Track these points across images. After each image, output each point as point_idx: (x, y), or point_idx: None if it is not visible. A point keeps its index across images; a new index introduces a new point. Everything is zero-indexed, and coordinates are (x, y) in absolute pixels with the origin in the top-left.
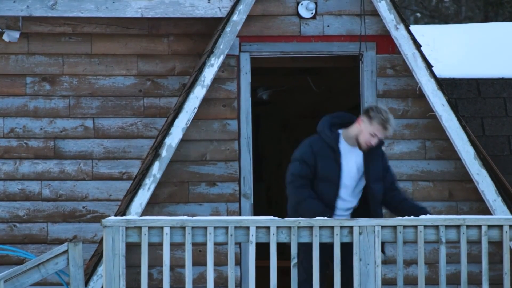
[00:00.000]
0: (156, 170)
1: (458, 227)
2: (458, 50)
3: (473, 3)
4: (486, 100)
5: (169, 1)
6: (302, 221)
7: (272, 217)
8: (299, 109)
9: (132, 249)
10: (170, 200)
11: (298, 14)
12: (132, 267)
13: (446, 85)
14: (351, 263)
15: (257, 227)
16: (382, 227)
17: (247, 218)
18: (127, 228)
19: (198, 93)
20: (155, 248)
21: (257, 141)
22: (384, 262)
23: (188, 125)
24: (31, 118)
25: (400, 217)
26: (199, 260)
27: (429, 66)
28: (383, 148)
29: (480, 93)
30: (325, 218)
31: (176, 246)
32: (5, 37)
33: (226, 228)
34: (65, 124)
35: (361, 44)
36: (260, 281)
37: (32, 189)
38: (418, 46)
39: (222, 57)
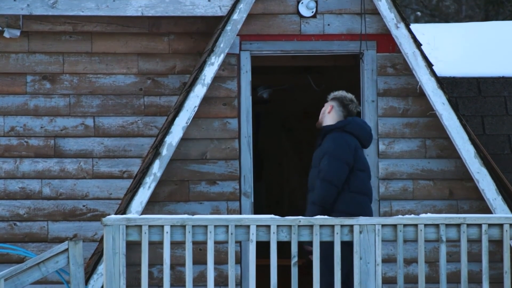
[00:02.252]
0: (157, 168)
1: (458, 225)
2: (458, 49)
3: (474, 2)
4: (487, 99)
5: (169, 0)
6: (302, 219)
7: (272, 215)
8: (300, 107)
9: (133, 247)
10: (170, 199)
11: (298, 12)
12: (133, 266)
13: (447, 84)
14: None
15: (257, 226)
16: (383, 225)
17: (248, 217)
18: (127, 226)
19: (199, 91)
20: (156, 246)
21: (258, 139)
22: (384, 260)
23: (188, 124)
24: (32, 116)
25: (400, 216)
26: (199, 259)
27: (429, 65)
28: (383, 147)
29: (481, 91)
30: (325, 216)
31: (177, 245)
32: (6, 34)
33: (227, 226)
34: (65, 122)
35: (361, 43)
36: (260, 280)
37: (33, 188)
38: (418, 44)
39: (222, 56)
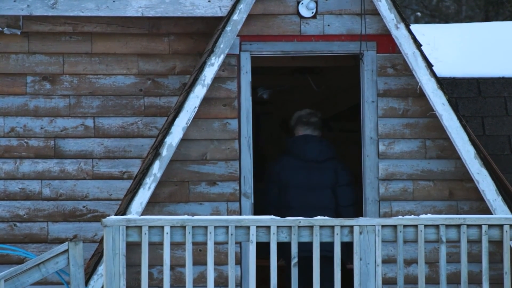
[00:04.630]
0: (157, 169)
1: (458, 226)
2: (458, 49)
3: (474, 3)
4: (487, 100)
5: (169, 0)
6: (303, 220)
7: (272, 216)
8: (300, 108)
9: (133, 248)
10: (170, 200)
11: (298, 13)
12: (133, 267)
13: (447, 85)
14: (330, 276)
15: (257, 227)
16: (383, 226)
17: (248, 218)
18: (127, 227)
19: (199, 92)
20: (156, 247)
21: (258, 140)
22: (384, 261)
23: (188, 124)
24: (32, 117)
25: (400, 217)
26: (199, 260)
27: (429, 65)
28: (383, 147)
29: (481, 92)
30: (326, 217)
31: (177, 246)
32: (6, 31)
33: (227, 227)
34: (65, 123)
35: (361, 43)
36: (261, 281)
37: (33, 189)
38: (418, 45)
39: (222, 56)
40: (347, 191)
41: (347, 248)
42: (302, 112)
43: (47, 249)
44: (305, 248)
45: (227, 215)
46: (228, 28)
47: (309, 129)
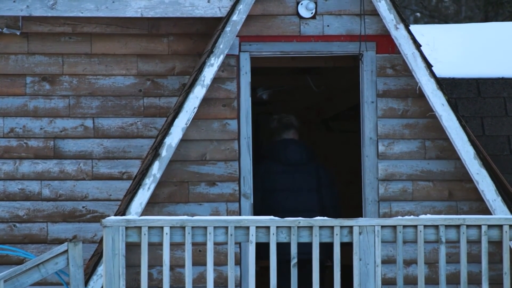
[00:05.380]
0: (156, 169)
1: (458, 226)
2: (458, 49)
3: (473, 3)
4: (486, 100)
5: (168, 1)
6: (302, 221)
7: (272, 217)
8: (299, 109)
9: (132, 249)
10: (170, 200)
11: (298, 14)
12: (132, 267)
13: (446, 85)
14: (306, 278)
15: (257, 227)
16: (382, 226)
17: (247, 218)
18: (127, 228)
19: (198, 92)
20: (155, 248)
21: (258, 141)
22: (383, 261)
23: (188, 125)
24: (31, 118)
25: (400, 217)
26: (199, 260)
27: (429, 66)
28: (383, 148)
29: (480, 92)
30: (325, 218)
31: (176, 246)
32: (6, 30)
33: (226, 228)
34: (65, 124)
35: (361, 44)
36: (261, 281)
37: (32, 189)
38: (418, 45)
39: (222, 57)
40: (331, 191)
41: (326, 247)
42: (275, 117)
43: (46, 250)
44: (287, 252)
45: (227, 215)
46: (227, 29)
47: (285, 133)
